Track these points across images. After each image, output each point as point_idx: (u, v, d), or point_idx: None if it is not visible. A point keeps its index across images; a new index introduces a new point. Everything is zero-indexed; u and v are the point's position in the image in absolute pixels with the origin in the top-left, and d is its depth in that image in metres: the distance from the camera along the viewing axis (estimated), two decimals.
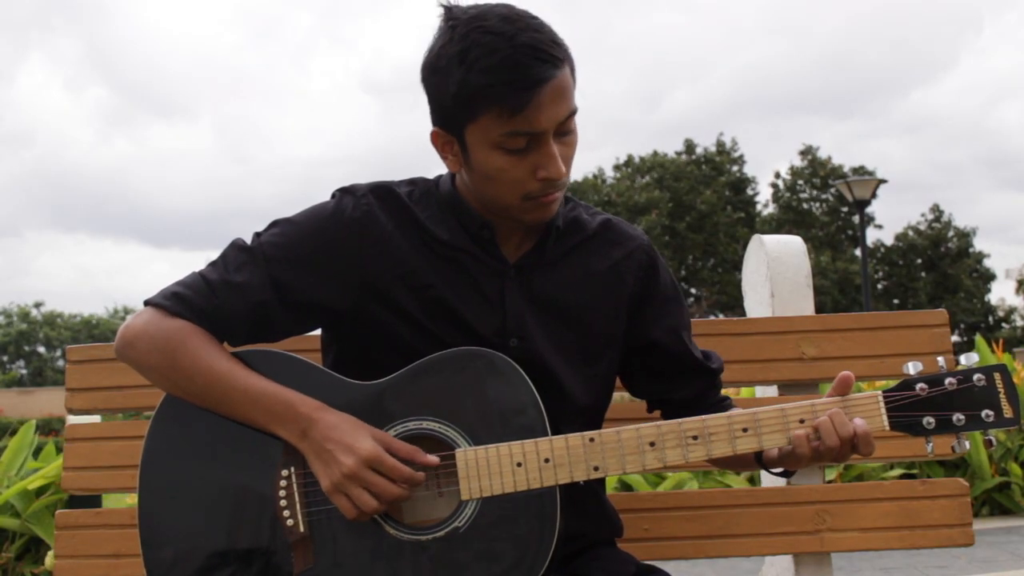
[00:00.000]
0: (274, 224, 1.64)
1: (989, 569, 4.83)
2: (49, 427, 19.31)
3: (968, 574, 4.74)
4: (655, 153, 42.03)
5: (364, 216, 1.61)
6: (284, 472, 1.52)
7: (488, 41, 1.46)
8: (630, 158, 42.41)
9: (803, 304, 2.29)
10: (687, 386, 1.75)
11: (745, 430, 1.51)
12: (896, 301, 39.56)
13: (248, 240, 1.63)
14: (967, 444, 1.52)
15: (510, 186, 1.53)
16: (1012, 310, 43.11)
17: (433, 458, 1.48)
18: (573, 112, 1.53)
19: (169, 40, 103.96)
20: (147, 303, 1.60)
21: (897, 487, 2.07)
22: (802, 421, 1.51)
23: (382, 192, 1.65)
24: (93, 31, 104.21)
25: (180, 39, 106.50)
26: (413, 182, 1.69)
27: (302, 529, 1.51)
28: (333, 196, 1.66)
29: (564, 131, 1.53)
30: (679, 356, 1.74)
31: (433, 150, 1.66)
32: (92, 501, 2.81)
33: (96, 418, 2.45)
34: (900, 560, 5.03)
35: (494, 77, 1.45)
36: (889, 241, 41.48)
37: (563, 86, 1.49)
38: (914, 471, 6.27)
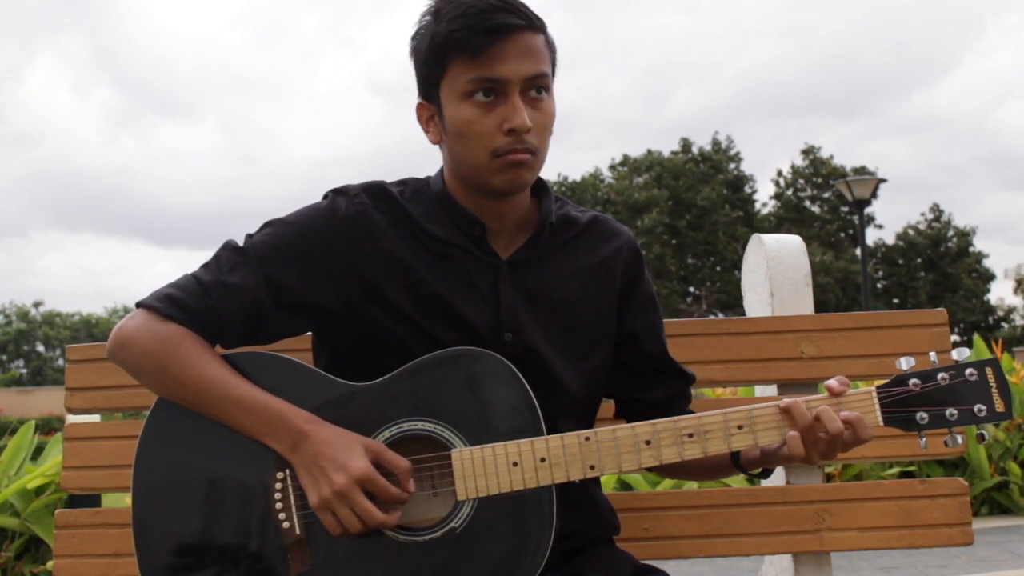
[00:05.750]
0: (267, 224, 1.63)
1: (988, 568, 4.83)
2: (49, 426, 19.31)
3: (967, 573, 4.74)
4: (649, 152, 42.04)
5: (358, 215, 1.61)
6: (279, 474, 1.52)
7: None
8: (626, 157, 42.44)
9: (802, 304, 2.28)
10: (661, 387, 1.76)
11: (740, 427, 1.51)
12: (896, 300, 39.59)
13: (240, 241, 1.62)
14: (960, 439, 1.52)
15: (478, 140, 1.56)
16: (1011, 309, 43.12)
17: (411, 486, 1.47)
18: (543, 75, 1.57)
19: (176, 40, 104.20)
20: (139, 305, 1.59)
21: (896, 486, 2.07)
22: None
23: (375, 191, 1.65)
24: (100, 31, 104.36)
25: (186, 39, 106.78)
26: (404, 182, 1.70)
27: (298, 531, 1.50)
28: (326, 197, 1.66)
29: (534, 93, 1.57)
30: (656, 354, 1.75)
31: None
32: (92, 500, 2.81)
33: (96, 417, 2.45)
34: (900, 559, 5.03)
35: (459, 23, 1.53)
36: (891, 241, 41.53)
37: (532, 45, 1.56)
38: (913, 470, 6.27)
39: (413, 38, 1.62)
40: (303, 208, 1.65)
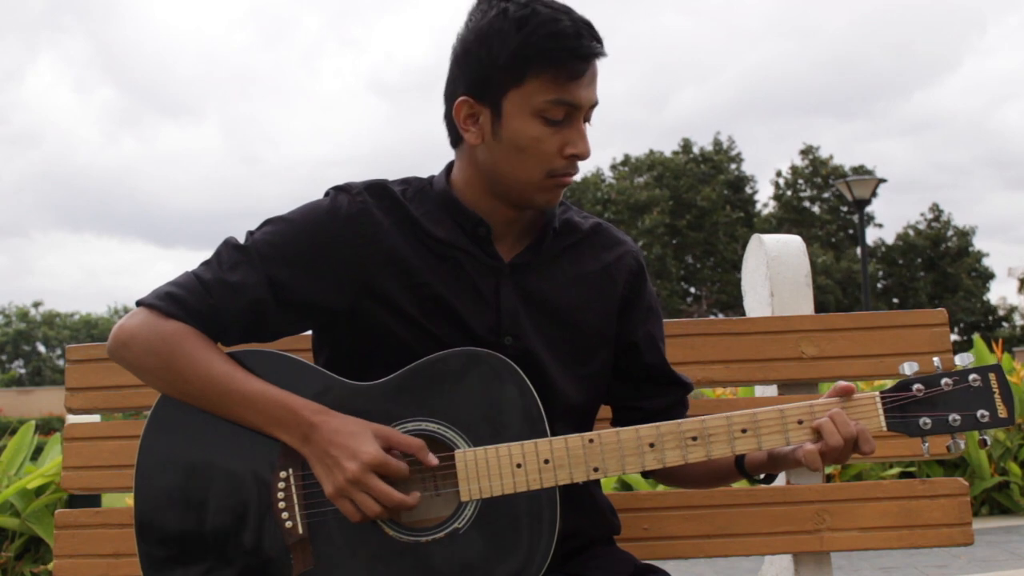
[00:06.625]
0: (268, 222, 1.63)
1: (988, 568, 4.83)
2: (49, 426, 19.32)
3: (967, 574, 4.74)
4: (651, 152, 42.07)
5: (360, 213, 1.61)
6: (282, 474, 1.52)
7: (550, 13, 1.54)
8: (627, 157, 42.46)
9: (803, 304, 2.28)
10: (659, 396, 1.75)
11: (744, 431, 1.51)
12: (896, 300, 39.60)
13: (241, 238, 1.62)
14: (962, 444, 1.53)
15: (538, 159, 1.56)
16: (1012, 309, 43.14)
17: (433, 459, 1.48)
18: (597, 103, 1.60)
19: (178, 40, 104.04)
20: (140, 303, 1.59)
21: (896, 487, 2.07)
22: (801, 422, 1.51)
23: (377, 190, 1.64)
24: (102, 32, 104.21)
25: (189, 39, 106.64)
26: (406, 181, 1.69)
27: (301, 531, 1.50)
28: (327, 194, 1.65)
29: (588, 119, 1.60)
30: (655, 364, 1.75)
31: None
32: (92, 500, 2.81)
33: (96, 417, 2.45)
34: (900, 559, 5.03)
35: (557, 42, 1.52)
36: (891, 241, 41.54)
37: (597, 72, 1.58)
38: (913, 470, 6.27)
39: (480, 35, 1.56)
40: (304, 205, 1.64)
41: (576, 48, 1.52)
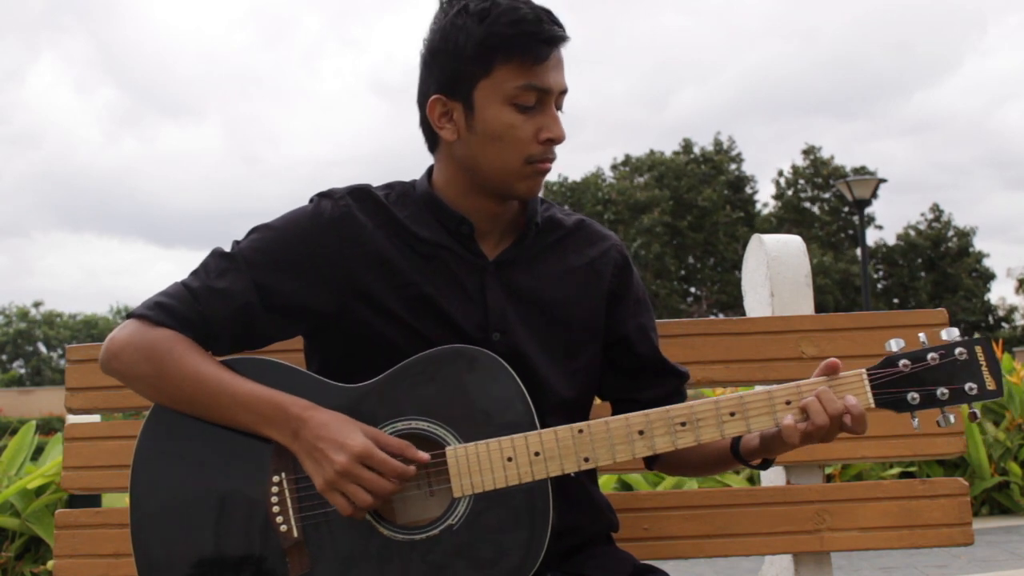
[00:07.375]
0: (254, 230, 1.65)
1: (989, 568, 4.83)
2: (49, 426, 19.32)
3: (967, 573, 4.74)
4: (651, 152, 42.09)
5: (343, 217, 1.62)
6: (275, 478, 1.52)
7: (509, 3, 1.57)
8: (628, 157, 42.50)
9: (803, 303, 2.29)
10: (655, 386, 1.76)
11: (732, 414, 1.51)
12: (896, 301, 39.62)
13: (228, 248, 1.64)
14: (952, 418, 1.52)
15: (515, 146, 1.58)
16: (1013, 309, 43.15)
17: (423, 454, 1.48)
18: (567, 90, 1.62)
19: (178, 40, 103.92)
20: (130, 315, 1.61)
21: (897, 486, 2.07)
22: (788, 402, 1.52)
23: (360, 194, 1.66)
24: (103, 32, 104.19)
25: (189, 39, 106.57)
26: (389, 186, 1.71)
27: (296, 534, 1.51)
28: (311, 201, 1.67)
29: (559, 106, 1.62)
30: (648, 355, 1.76)
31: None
32: (92, 500, 2.82)
33: (96, 417, 2.45)
34: (900, 559, 5.03)
35: (519, 28, 1.55)
36: (892, 241, 41.56)
37: (562, 59, 1.61)
38: (913, 470, 6.27)
39: (443, 34, 1.59)
40: (289, 212, 1.66)
41: (538, 32, 1.55)
